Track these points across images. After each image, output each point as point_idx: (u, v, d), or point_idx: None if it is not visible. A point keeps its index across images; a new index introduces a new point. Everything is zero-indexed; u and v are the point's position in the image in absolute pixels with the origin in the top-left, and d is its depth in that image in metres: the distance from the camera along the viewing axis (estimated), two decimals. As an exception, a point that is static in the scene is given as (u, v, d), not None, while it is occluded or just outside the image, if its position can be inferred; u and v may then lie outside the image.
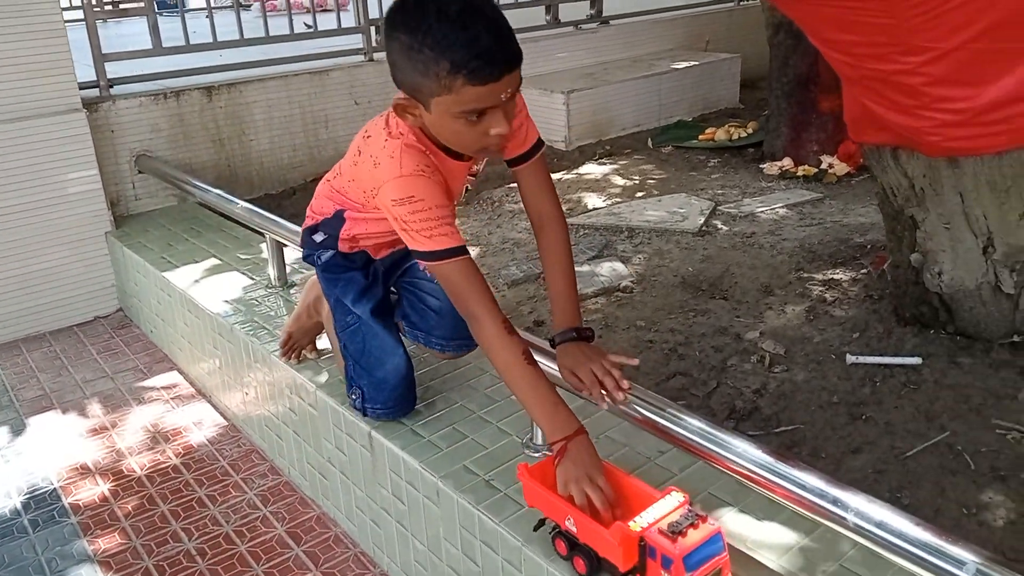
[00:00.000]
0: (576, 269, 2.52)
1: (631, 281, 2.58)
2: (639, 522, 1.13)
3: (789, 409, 1.90)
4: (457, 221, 3.11)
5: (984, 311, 2.02)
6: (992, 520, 1.55)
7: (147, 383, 2.71)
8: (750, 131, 4.13)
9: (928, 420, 1.81)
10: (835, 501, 1.13)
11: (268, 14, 3.76)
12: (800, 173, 3.50)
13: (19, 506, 2.11)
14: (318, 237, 1.66)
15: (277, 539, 1.97)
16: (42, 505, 2.11)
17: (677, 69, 4.66)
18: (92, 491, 2.15)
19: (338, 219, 1.60)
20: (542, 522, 1.32)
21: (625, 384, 1.37)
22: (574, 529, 1.22)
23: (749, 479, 1.23)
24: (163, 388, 2.67)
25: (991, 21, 1.52)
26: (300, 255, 1.79)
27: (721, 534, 1.13)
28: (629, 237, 2.95)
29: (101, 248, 3.12)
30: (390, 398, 1.65)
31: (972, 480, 1.64)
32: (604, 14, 4.92)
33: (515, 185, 3.55)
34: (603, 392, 1.36)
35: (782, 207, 3.15)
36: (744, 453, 1.23)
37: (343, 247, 1.65)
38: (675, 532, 1.10)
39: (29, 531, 2.01)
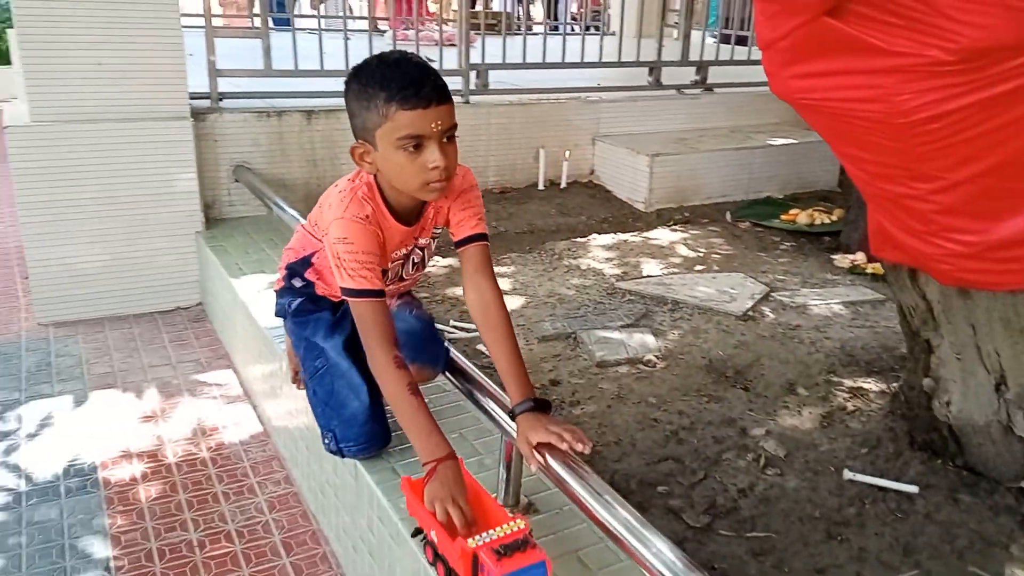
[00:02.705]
0: (607, 335, 2.60)
1: (656, 356, 2.62)
2: (476, 541, 1.32)
3: (769, 515, 1.91)
4: (512, 268, 3.26)
5: (993, 450, 1.96)
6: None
7: (203, 377, 2.93)
8: (834, 218, 4.06)
9: (905, 554, 1.78)
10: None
11: (398, 42, 3.97)
12: (870, 270, 3.43)
13: (60, 471, 2.34)
14: (297, 282, 1.85)
15: (271, 546, 2.11)
16: (79, 474, 2.33)
17: (774, 145, 4.63)
18: (125, 470, 2.36)
19: (306, 262, 1.81)
20: (418, 530, 1.50)
21: (587, 441, 1.46)
22: (436, 540, 1.42)
23: (659, 582, 1.27)
24: (215, 385, 2.88)
25: (1001, 158, 1.51)
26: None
27: (546, 562, 1.31)
28: (672, 310, 2.98)
29: (191, 245, 3.40)
30: (361, 434, 1.78)
31: (926, 623, 1.61)
32: (709, 81, 4.96)
33: (579, 239, 3.65)
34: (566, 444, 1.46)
35: (838, 303, 3.10)
36: (659, 554, 1.27)
37: (317, 287, 1.83)
38: (502, 553, 1.29)
39: (62, 496, 2.23)
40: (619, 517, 1.35)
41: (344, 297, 1.56)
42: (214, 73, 3.48)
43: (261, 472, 2.41)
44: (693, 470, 2.05)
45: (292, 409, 2.37)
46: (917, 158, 1.56)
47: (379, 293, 1.53)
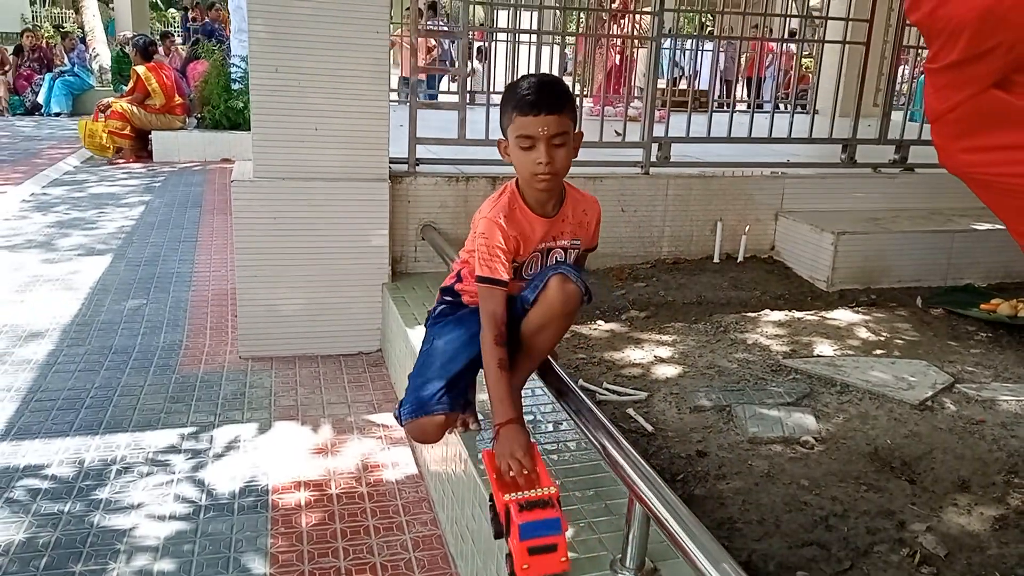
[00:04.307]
0: (764, 411, 2.53)
1: (815, 437, 2.50)
2: (511, 496, 1.64)
3: (917, 616, 1.76)
4: (674, 337, 3.26)
5: None
6: None
7: (372, 417, 3.13)
8: (1043, 311, 3.70)
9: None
10: None
11: (589, 119, 4.15)
12: (1077, 369, 3.09)
13: (236, 490, 2.58)
14: (448, 298, 2.18)
15: (409, 583, 2.20)
16: (252, 494, 2.56)
17: (978, 229, 4.32)
18: (293, 496, 2.56)
19: (458, 278, 2.15)
20: (491, 497, 1.78)
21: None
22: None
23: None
24: (382, 426, 3.07)
25: None
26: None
27: (561, 520, 1.63)
28: (839, 392, 2.84)
29: (377, 296, 3.66)
30: (417, 400, 2.03)
31: None
32: (910, 161, 4.72)
33: (749, 314, 3.57)
34: None
35: (1034, 401, 2.82)
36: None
37: (464, 297, 2.14)
38: (524, 507, 1.61)
39: (234, 513, 2.46)
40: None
41: (476, 284, 1.91)
42: (414, 141, 3.78)
43: (411, 511, 2.53)
44: (839, 559, 1.94)
45: (445, 455, 2.49)
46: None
47: (502, 283, 1.89)
